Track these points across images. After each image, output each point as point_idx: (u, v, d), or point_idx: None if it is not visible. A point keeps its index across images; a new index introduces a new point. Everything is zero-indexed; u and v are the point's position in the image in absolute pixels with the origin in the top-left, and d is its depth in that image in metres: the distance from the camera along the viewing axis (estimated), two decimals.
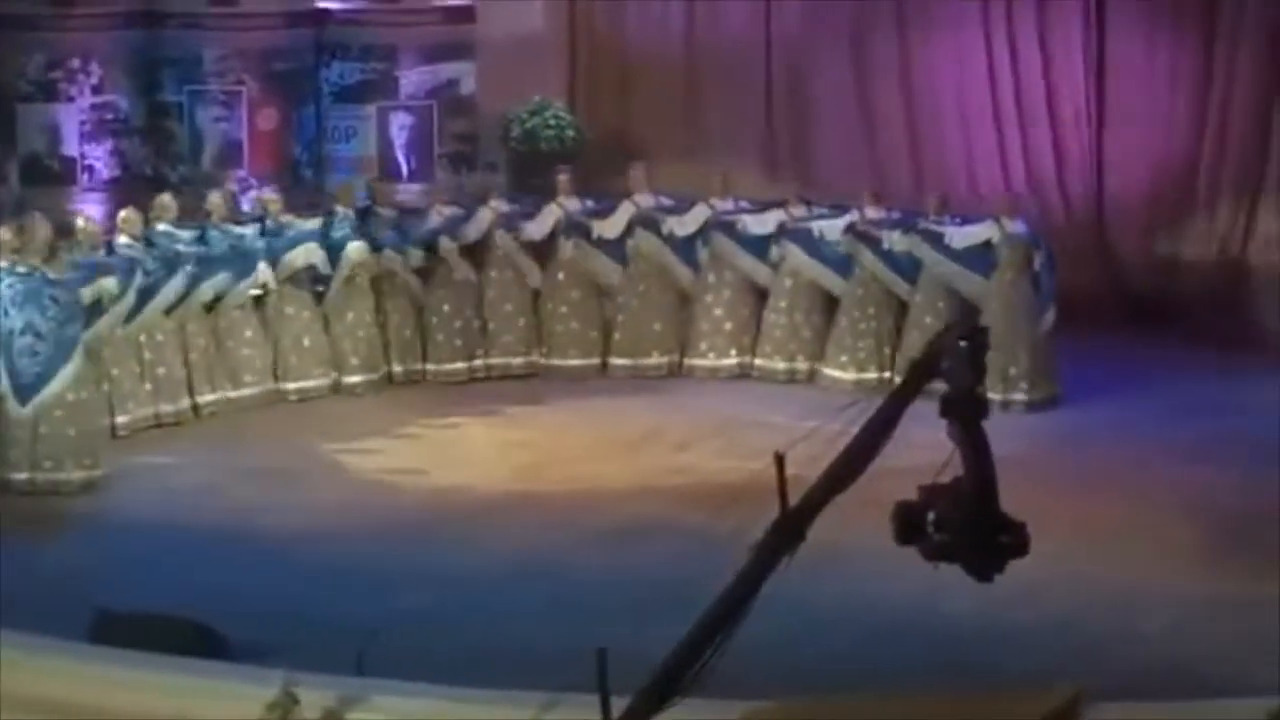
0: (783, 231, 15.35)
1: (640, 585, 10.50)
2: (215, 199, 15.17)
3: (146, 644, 8.60)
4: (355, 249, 15.00)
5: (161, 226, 14.61)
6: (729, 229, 15.48)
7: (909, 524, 3.84)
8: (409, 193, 17.14)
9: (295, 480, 13.05)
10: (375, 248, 15.22)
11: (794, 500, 4.00)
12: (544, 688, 7.09)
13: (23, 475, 12.77)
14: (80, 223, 14.37)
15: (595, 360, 15.71)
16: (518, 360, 15.69)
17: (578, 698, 6.16)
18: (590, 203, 15.99)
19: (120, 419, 13.87)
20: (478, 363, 15.64)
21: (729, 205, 15.71)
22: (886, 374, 14.74)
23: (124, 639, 8.80)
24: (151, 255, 14.16)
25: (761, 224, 15.43)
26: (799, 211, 15.49)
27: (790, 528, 3.98)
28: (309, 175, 17.66)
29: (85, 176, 17.01)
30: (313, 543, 11.69)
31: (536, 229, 15.70)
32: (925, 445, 4.18)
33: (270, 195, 15.86)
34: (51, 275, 13.01)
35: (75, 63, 17.03)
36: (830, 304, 15.30)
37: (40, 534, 11.87)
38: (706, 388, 15.32)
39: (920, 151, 18.21)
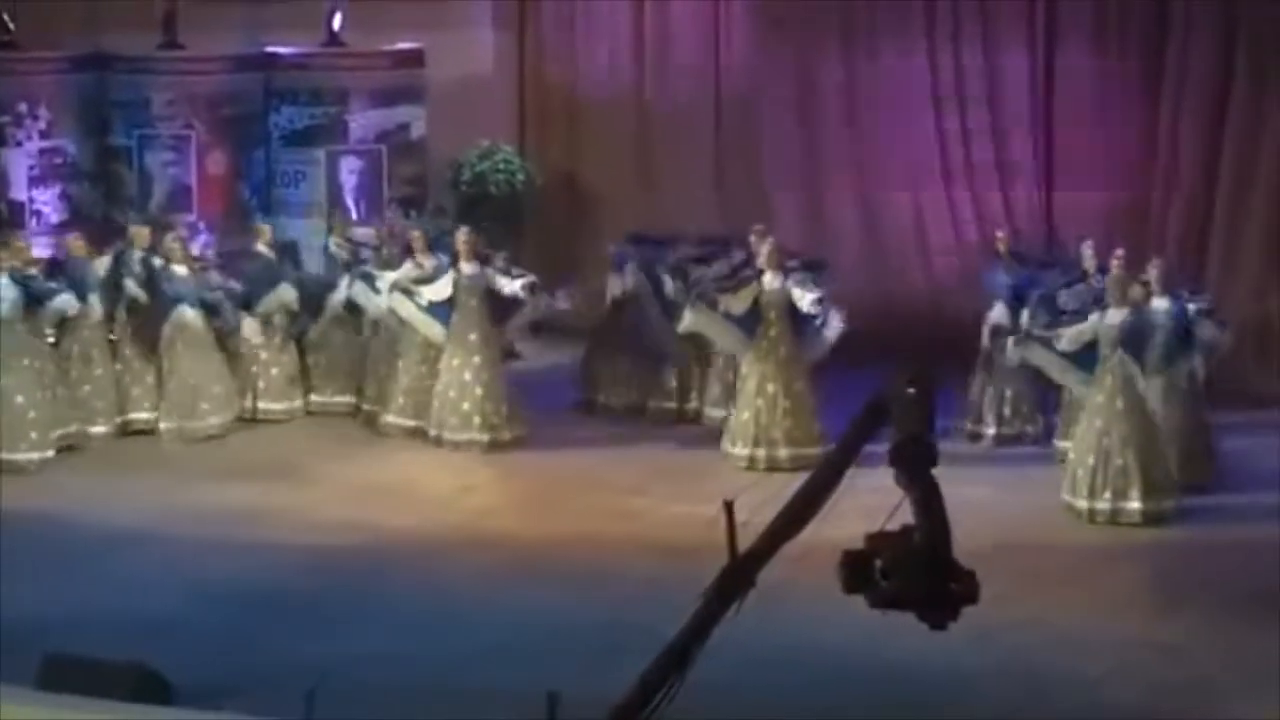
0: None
1: (591, 629, 10.53)
2: (170, 240, 15.40)
3: (94, 689, 8.56)
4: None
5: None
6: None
7: (856, 573, 3.86)
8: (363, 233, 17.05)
9: (245, 519, 13.04)
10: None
11: (744, 547, 4.02)
12: None
13: None
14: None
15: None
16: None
17: None
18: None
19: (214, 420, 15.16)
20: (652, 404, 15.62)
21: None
22: None
23: (71, 684, 8.77)
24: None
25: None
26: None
27: (740, 575, 4.00)
28: (259, 219, 17.66)
29: (34, 221, 16.98)
30: (260, 583, 11.67)
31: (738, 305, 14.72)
32: (875, 490, 4.22)
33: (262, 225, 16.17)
34: None
35: (23, 107, 17.01)
36: None
37: None
38: (660, 433, 15.31)
39: (869, 204, 18.25)
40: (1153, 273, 13.79)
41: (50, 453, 14.26)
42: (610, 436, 15.19)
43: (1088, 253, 14.76)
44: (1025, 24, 17.75)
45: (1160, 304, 13.57)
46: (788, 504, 4.11)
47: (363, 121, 17.86)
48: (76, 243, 15.39)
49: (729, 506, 4.09)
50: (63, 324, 14.78)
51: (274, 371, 15.78)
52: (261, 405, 15.73)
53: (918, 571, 3.84)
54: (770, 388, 14.25)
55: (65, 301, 14.60)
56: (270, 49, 17.84)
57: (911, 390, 4.10)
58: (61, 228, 16.97)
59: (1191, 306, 13.79)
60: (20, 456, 14.08)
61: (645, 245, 16.05)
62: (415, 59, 18.00)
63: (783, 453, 14.11)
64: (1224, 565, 11.88)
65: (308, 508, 13.36)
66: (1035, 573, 11.59)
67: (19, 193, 17.00)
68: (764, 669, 9.67)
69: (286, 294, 15.70)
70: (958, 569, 3.88)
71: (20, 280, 14.42)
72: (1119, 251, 14.31)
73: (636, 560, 11.96)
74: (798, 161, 18.51)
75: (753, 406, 14.26)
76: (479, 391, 14.68)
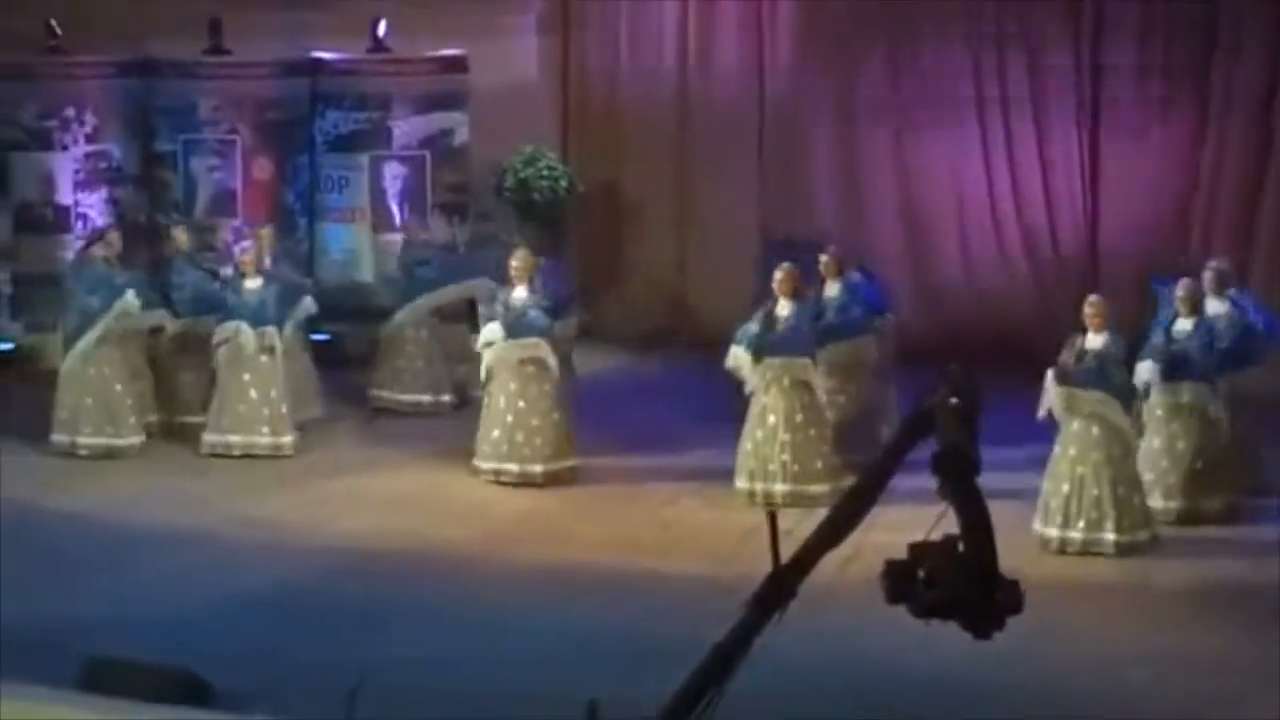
0: None
1: (632, 638, 10.53)
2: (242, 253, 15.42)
3: (134, 692, 8.61)
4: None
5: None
6: None
7: (899, 582, 3.86)
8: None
9: (284, 526, 13.07)
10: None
11: (786, 556, 4.02)
12: None
13: None
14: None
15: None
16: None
17: None
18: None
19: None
20: None
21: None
22: None
23: (112, 687, 8.81)
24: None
25: None
26: None
27: (782, 584, 4.00)
28: (302, 224, 17.71)
29: (79, 225, 17.00)
30: (299, 589, 11.70)
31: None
32: (916, 501, 4.22)
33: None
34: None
35: (70, 111, 17.06)
36: None
37: (25, 572, 11.82)
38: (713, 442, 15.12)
39: (912, 215, 18.15)
40: (1179, 293, 13.31)
41: (144, 437, 14.83)
42: (654, 447, 15.02)
43: (1222, 266, 13.86)
44: (1070, 26, 17.66)
45: (1184, 325, 13.18)
46: (830, 513, 4.12)
47: (406, 127, 17.86)
48: (183, 235, 15.80)
49: (772, 516, 4.09)
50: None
51: (419, 364, 15.95)
52: (404, 398, 15.90)
53: (961, 581, 3.84)
54: (771, 419, 13.53)
55: (160, 317, 15.13)
56: (315, 54, 17.86)
57: (954, 400, 4.10)
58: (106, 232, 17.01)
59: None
60: (121, 441, 14.68)
61: (792, 249, 15.86)
62: (459, 65, 17.99)
63: (778, 488, 13.37)
64: (1259, 577, 11.79)
65: (350, 513, 13.38)
66: (1069, 586, 11.55)
67: (64, 197, 17.04)
68: (805, 678, 9.65)
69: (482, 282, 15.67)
70: (1002, 579, 3.87)
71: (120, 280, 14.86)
72: (1212, 263, 13.86)
73: (674, 568, 11.95)
74: (841, 164, 18.44)
75: (753, 439, 13.60)
76: (509, 419, 14.08)
